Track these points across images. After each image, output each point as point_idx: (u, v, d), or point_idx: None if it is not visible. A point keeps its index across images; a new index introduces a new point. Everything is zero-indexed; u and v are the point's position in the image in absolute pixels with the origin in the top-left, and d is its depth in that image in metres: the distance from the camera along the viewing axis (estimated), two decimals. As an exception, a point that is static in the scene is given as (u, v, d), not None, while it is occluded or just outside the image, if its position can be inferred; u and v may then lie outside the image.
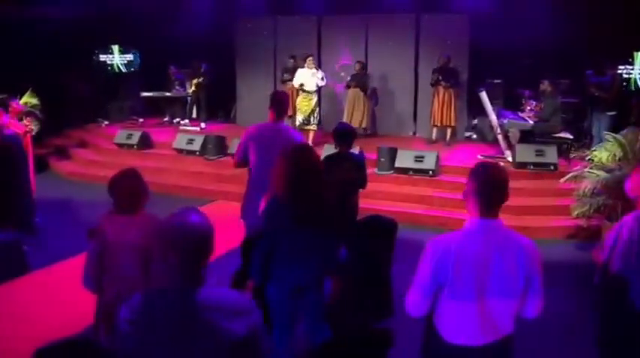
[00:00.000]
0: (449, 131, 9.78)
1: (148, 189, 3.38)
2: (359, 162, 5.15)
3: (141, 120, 11.99)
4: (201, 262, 1.99)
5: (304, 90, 9.36)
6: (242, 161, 4.71)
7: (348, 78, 10.26)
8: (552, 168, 7.75)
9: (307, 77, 9.30)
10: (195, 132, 10.34)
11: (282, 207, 3.24)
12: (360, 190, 5.31)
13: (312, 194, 3.26)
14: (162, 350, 1.95)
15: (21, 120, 9.26)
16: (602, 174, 5.94)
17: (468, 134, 10.52)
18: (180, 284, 1.96)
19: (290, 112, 10.43)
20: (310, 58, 9.41)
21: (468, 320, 2.38)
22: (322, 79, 9.42)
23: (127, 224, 3.18)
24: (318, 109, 9.41)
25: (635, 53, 8.81)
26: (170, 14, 11.80)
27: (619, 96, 8.30)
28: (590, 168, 6.18)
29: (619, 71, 8.86)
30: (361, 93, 10.10)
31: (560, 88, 9.40)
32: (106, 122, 11.70)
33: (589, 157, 6.34)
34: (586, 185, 6.04)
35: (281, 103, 4.75)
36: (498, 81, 10.46)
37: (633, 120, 7.59)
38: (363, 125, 10.31)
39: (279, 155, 3.36)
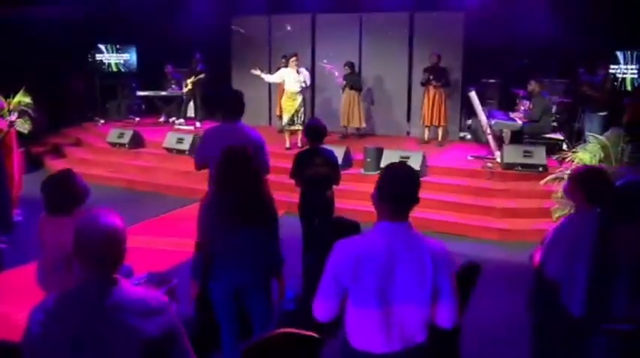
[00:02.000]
0: (440, 131, 9.67)
1: (85, 189, 3.36)
2: (330, 158, 5.13)
3: (137, 119, 12.04)
4: (113, 263, 1.98)
5: (288, 91, 9.29)
6: (202, 163, 4.69)
7: (341, 79, 10.20)
8: (541, 169, 7.61)
9: (290, 77, 9.23)
10: (187, 132, 10.35)
11: (217, 208, 3.23)
12: (335, 186, 5.27)
13: (247, 194, 3.24)
14: (71, 352, 1.93)
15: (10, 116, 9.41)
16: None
17: (462, 134, 10.39)
18: (91, 286, 1.95)
19: (278, 112, 10.49)
20: (294, 58, 9.29)
21: (371, 326, 2.30)
22: (304, 81, 9.29)
23: (61, 224, 3.18)
24: (303, 109, 9.28)
25: (627, 52, 8.62)
26: (167, 13, 11.84)
27: (611, 96, 8.13)
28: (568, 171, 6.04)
29: (611, 70, 8.68)
30: (356, 94, 10.03)
31: (557, 87, 9.27)
32: (102, 121, 11.75)
33: (568, 158, 6.22)
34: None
35: (235, 103, 4.73)
36: (493, 80, 10.33)
37: (624, 121, 7.40)
38: (361, 125, 10.25)
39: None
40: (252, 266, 3.32)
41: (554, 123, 9.08)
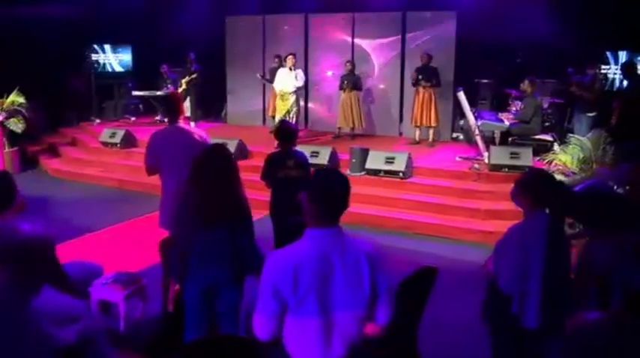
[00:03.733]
0: (431, 131, 9.61)
1: (14, 193, 3.26)
2: (302, 161, 5.11)
3: (133, 118, 12.11)
4: (35, 271, 1.97)
5: (281, 91, 9.29)
6: (153, 168, 4.68)
7: (336, 78, 10.19)
8: (527, 170, 7.52)
9: (285, 77, 9.22)
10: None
11: (192, 207, 3.26)
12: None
13: (222, 194, 3.26)
14: None
15: (10, 117, 9.52)
16: (561, 178, 5.74)
17: (455, 135, 10.32)
18: (8, 294, 1.94)
19: (271, 113, 10.49)
20: (290, 57, 9.29)
21: (312, 336, 2.26)
22: (296, 77, 9.23)
23: None
24: (295, 109, 9.26)
25: (618, 52, 8.53)
26: (162, 14, 11.90)
27: (600, 97, 8.03)
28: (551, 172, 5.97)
29: (603, 71, 8.58)
30: (357, 94, 9.98)
31: (548, 87, 9.18)
32: (98, 121, 11.83)
33: (547, 160, 6.15)
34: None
35: (171, 105, 4.77)
36: (486, 81, 10.25)
37: (613, 122, 7.32)
38: (362, 126, 10.23)
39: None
40: (227, 264, 3.33)
41: (547, 124, 9.02)
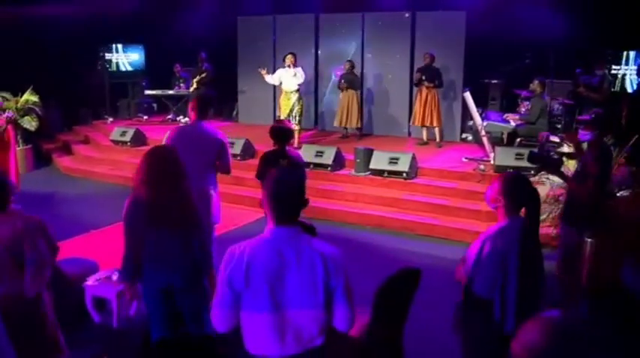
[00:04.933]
0: (437, 131, 9.54)
1: (12, 186, 3.44)
2: (296, 160, 5.14)
3: (145, 117, 12.26)
4: None
5: (284, 90, 9.30)
6: None
7: (338, 79, 10.19)
8: (532, 172, 7.44)
9: (285, 76, 9.24)
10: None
11: (140, 208, 3.28)
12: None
13: (170, 194, 3.27)
14: None
15: (24, 115, 9.70)
16: (556, 179, 5.67)
17: (465, 135, 10.24)
18: None
19: (279, 113, 10.51)
20: (289, 56, 9.28)
21: (265, 330, 2.31)
22: (295, 75, 9.17)
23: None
24: (298, 109, 9.23)
25: (628, 53, 8.37)
26: (175, 13, 12.02)
27: (608, 98, 7.90)
28: (544, 174, 5.91)
29: (614, 71, 8.43)
30: (355, 94, 9.98)
31: (557, 88, 9.05)
32: (111, 119, 12.00)
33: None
34: (539, 191, 5.76)
35: (200, 104, 4.84)
36: (495, 81, 10.15)
37: (623, 123, 7.20)
38: (358, 125, 10.22)
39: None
40: (179, 268, 3.36)
41: (557, 125, 8.91)
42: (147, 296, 3.45)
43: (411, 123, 9.64)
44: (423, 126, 9.49)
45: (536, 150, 6.59)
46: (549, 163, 5.04)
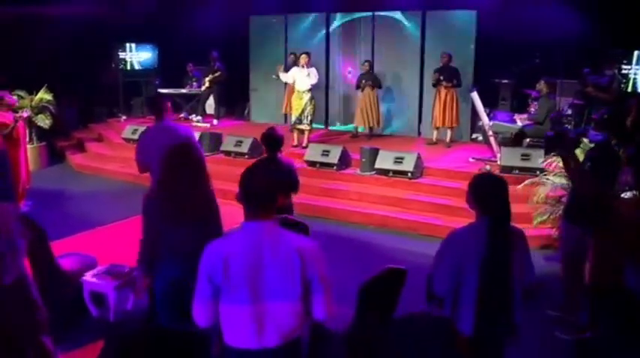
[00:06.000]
0: (449, 132, 9.49)
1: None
2: (286, 167, 5.15)
3: (158, 115, 12.37)
4: None
5: (297, 89, 9.34)
6: (143, 165, 4.83)
7: (354, 78, 10.19)
8: (538, 173, 7.37)
9: (299, 75, 9.27)
10: (202, 129, 10.58)
11: (157, 204, 3.35)
12: (293, 194, 5.28)
13: (186, 191, 3.32)
14: None
15: (38, 113, 9.88)
16: (557, 180, 5.61)
17: (475, 136, 10.17)
18: None
19: (286, 110, 10.58)
20: (303, 55, 9.34)
21: (244, 323, 2.36)
22: (308, 75, 9.21)
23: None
24: (310, 109, 9.23)
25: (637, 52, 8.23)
26: (187, 12, 12.13)
27: (617, 98, 7.77)
28: (545, 175, 5.85)
29: (624, 71, 8.30)
30: (374, 93, 9.95)
31: (568, 88, 8.95)
32: (124, 117, 12.15)
33: (556, 163, 5.99)
34: (540, 192, 5.72)
35: (155, 104, 4.96)
36: (506, 81, 10.06)
37: (630, 123, 7.06)
38: (379, 125, 10.22)
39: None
40: (193, 262, 3.42)
41: (567, 126, 8.79)
42: (158, 286, 3.49)
43: (432, 126, 9.55)
44: (441, 127, 9.43)
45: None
46: (565, 144, 4.58)
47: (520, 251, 2.92)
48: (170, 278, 3.45)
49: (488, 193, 2.88)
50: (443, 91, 9.26)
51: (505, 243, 2.81)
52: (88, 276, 4.74)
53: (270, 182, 2.44)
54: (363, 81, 9.93)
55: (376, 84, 9.94)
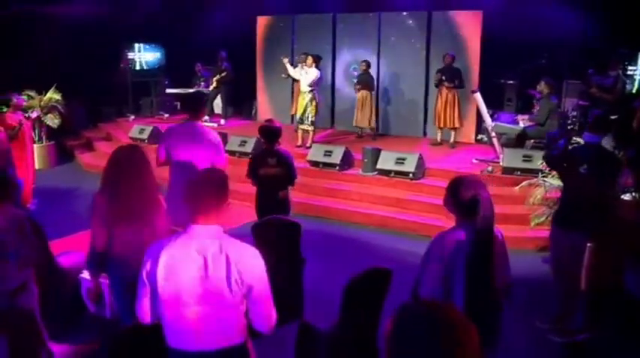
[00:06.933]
0: (453, 133, 9.48)
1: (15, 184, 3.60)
2: (284, 159, 5.21)
3: (166, 115, 12.50)
4: None
5: (300, 90, 9.41)
6: (163, 160, 4.90)
7: (354, 80, 10.23)
8: (540, 174, 7.34)
9: (300, 76, 9.35)
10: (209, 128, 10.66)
11: (103, 203, 3.43)
12: (290, 187, 5.34)
13: (130, 191, 3.38)
14: None
15: (48, 113, 10.03)
16: (555, 181, 5.59)
17: (480, 136, 10.14)
18: None
19: (292, 111, 10.63)
20: (303, 57, 9.38)
21: (181, 325, 2.38)
22: (306, 73, 9.25)
23: None
24: (311, 109, 9.25)
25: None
26: (195, 13, 12.24)
27: (621, 99, 7.71)
28: (543, 176, 5.82)
29: (629, 72, 8.23)
30: (368, 94, 9.98)
31: (573, 89, 8.90)
32: (133, 117, 12.28)
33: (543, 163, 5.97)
34: (537, 193, 5.70)
35: (195, 102, 4.97)
36: (512, 82, 10.02)
37: (635, 125, 7.02)
38: (372, 125, 10.23)
39: None
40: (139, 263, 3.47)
41: (572, 127, 8.74)
42: (115, 288, 3.57)
43: (435, 125, 9.56)
44: (443, 127, 9.44)
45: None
46: (554, 164, 4.91)
47: (499, 253, 2.89)
48: (120, 282, 3.52)
49: (461, 197, 2.77)
50: (444, 92, 9.26)
51: (490, 250, 2.76)
52: (86, 273, 4.82)
53: (220, 188, 2.46)
54: (357, 82, 10.00)
55: (368, 86, 9.89)
